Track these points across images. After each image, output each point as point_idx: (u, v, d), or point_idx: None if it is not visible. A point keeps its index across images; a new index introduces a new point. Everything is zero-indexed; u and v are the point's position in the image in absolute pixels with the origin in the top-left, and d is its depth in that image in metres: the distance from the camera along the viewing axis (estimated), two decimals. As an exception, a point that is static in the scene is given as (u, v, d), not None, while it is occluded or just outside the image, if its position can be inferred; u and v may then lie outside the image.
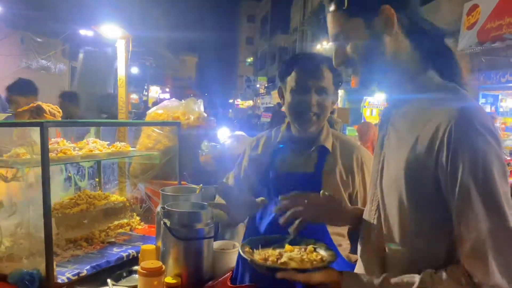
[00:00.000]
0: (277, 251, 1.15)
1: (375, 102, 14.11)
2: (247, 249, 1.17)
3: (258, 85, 32.72)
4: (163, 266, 1.72)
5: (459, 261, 0.93)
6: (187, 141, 2.41)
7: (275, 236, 1.26)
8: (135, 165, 2.58)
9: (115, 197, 2.40)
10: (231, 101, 39.32)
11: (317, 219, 1.25)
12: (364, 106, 15.48)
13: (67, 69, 15.33)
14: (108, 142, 2.27)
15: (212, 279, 1.85)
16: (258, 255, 1.13)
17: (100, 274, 1.83)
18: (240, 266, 1.75)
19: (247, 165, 1.83)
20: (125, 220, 2.37)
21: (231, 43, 56.10)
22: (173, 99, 2.71)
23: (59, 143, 2.03)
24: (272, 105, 17.72)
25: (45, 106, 1.99)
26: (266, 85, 32.60)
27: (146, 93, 26.31)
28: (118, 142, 2.28)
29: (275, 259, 1.10)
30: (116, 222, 2.32)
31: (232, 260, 1.90)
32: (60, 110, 2.09)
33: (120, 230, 2.30)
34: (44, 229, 1.61)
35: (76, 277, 1.72)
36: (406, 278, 0.97)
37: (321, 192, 1.24)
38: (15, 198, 1.73)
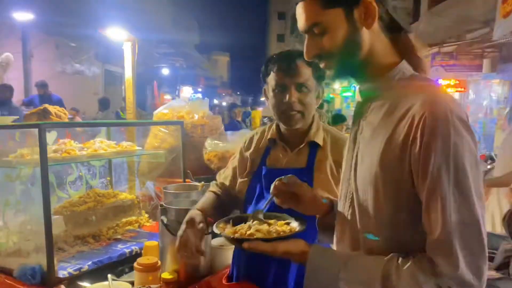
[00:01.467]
0: (248, 224, 1.18)
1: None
2: (221, 225, 1.21)
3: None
4: (159, 262, 1.76)
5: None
6: (191, 140, 2.46)
7: (249, 214, 1.30)
8: (143, 164, 2.65)
9: (124, 195, 2.47)
10: (262, 98, 39.36)
11: (290, 204, 1.25)
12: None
13: (101, 72, 15.80)
14: (115, 142, 2.34)
15: (210, 275, 1.88)
16: (230, 229, 1.17)
17: (102, 270, 1.89)
18: (235, 262, 1.77)
19: (238, 164, 1.81)
20: (134, 218, 2.44)
21: (262, 40, 56.17)
22: (180, 98, 2.76)
23: (66, 144, 2.11)
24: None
25: (51, 108, 2.08)
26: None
27: (178, 94, 26.76)
28: (124, 142, 2.35)
29: (244, 232, 1.13)
30: (124, 220, 2.39)
31: (230, 257, 1.92)
32: (66, 112, 2.18)
33: (129, 227, 2.37)
34: (45, 227, 1.69)
35: (77, 272, 1.79)
36: (374, 259, 0.97)
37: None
38: (19, 196, 1.82)
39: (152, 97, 18.47)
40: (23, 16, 8.00)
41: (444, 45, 10.53)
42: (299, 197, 1.24)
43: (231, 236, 1.12)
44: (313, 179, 1.61)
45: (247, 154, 1.78)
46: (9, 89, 7.02)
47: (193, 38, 25.39)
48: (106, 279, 1.79)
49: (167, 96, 26.64)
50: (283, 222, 1.20)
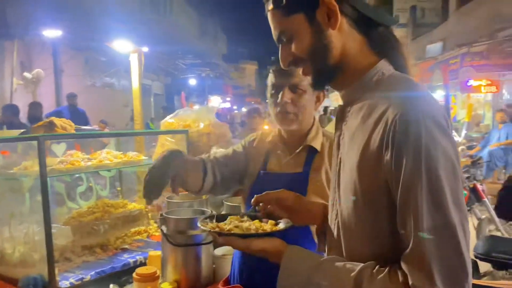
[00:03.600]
0: (229, 220, 1.15)
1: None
2: (205, 220, 1.17)
3: (317, 89, 32.28)
4: (158, 272, 1.75)
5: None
6: (197, 148, 2.45)
7: (243, 213, 1.25)
8: (152, 174, 2.66)
9: (133, 205, 2.49)
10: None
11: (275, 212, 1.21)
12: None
13: (131, 85, 16.16)
14: (121, 153, 2.37)
15: (211, 285, 1.85)
16: (212, 225, 1.13)
17: (106, 280, 1.90)
18: (235, 265, 1.74)
19: (233, 152, 1.78)
20: (142, 227, 2.45)
21: (290, 48, 55.93)
22: (187, 108, 2.78)
23: (72, 155, 2.15)
24: (333, 108, 17.50)
25: (57, 121, 2.13)
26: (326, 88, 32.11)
27: (206, 103, 27.11)
28: (130, 152, 2.38)
29: (224, 227, 1.10)
30: (133, 229, 2.40)
31: (233, 266, 1.89)
32: (72, 124, 2.23)
33: (137, 237, 2.38)
34: (45, 237, 1.71)
35: (79, 282, 1.80)
36: (348, 265, 0.92)
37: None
38: (23, 208, 1.85)
39: (180, 107, 18.82)
40: (53, 33, 8.29)
41: (474, 45, 10.17)
42: (283, 203, 1.20)
43: (209, 230, 1.08)
44: (308, 185, 1.58)
45: (248, 147, 1.76)
46: (40, 106, 7.38)
47: (220, 48, 25.71)
48: (109, 289, 1.81)
49: (196, 106, 26.99)
50: (273, 222, 1.15)
